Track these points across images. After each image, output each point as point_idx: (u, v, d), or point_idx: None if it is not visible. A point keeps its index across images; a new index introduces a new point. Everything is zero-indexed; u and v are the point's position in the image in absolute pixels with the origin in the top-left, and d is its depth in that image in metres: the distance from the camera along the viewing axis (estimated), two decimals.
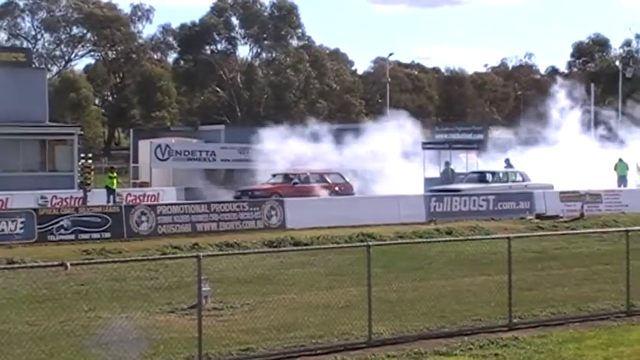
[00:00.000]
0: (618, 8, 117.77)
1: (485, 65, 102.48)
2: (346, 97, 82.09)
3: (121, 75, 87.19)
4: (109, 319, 13.70)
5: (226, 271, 15.72)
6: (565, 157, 42.17)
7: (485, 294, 15.66)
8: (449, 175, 42.22)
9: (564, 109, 50.69)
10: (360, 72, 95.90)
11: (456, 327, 13.92)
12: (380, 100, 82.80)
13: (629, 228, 17.76)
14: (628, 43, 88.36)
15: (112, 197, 35.67)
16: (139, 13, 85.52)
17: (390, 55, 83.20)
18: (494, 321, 14.22)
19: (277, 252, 21.96)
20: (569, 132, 47.92)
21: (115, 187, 36.44)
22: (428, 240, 24.29)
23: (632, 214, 33.82)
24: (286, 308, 14.50)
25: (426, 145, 46.75)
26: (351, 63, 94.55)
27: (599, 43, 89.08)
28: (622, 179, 46.42)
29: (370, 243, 14.65)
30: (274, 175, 40.68)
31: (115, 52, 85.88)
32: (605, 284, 16.93)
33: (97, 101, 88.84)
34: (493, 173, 39.13)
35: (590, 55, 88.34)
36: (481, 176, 38.94)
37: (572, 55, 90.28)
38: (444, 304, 15.30)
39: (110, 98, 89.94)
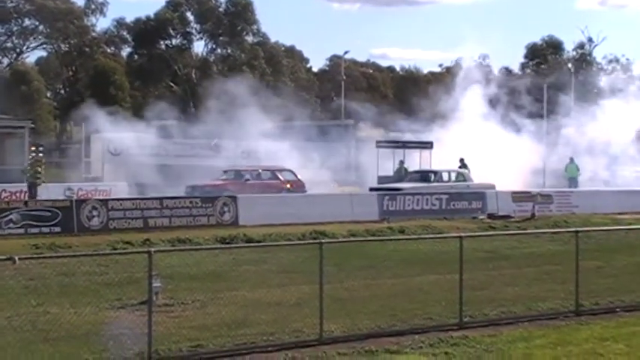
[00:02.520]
0: (571, 11, 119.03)
1: (440, 65, 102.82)
2: (301, 94, 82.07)
3: (74, 68, 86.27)
4: (57, 315, 13.52)
5: (178, 267, 15.60)
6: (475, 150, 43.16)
7: (436, 293, 15.72)
8: (402, 174, 42.43)
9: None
10: (315, 70, 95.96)
11: (407, 325, 13.96)
12: (335, 99, 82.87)
13: (579, 229, 17.94)
14: (581, 46, 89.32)
15: (34, 191, 33.77)
16: (93, 6, 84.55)
17: (346, 53, 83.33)
18: (445, 320, 14.28)
19: (229, 248, 21.89)
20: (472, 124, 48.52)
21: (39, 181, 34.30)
22: (380, 238, 24.38)
23: (582, 214, 34.23)
24: (238, 305, 14.43)
25: (380, 144, 46.94)
26: (307, 60, 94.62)
27: (553, 45, 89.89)
28: (572, 181, 47.07)
29: (323, 241, 14.64)
30: (226, 171, 40.49)
31: (67, 45, 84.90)
32: (554, 284, 17.07)
33: (48, 94, 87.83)
34: (435, 172, 39.43)
35: (543, 57, 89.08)
36: (423, 175, 39.26)
37: (526, 57, 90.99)
38: (395, 302, 15.33)
39: (62, 92, 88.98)
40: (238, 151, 49.78)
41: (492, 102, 54.37)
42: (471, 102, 51.69)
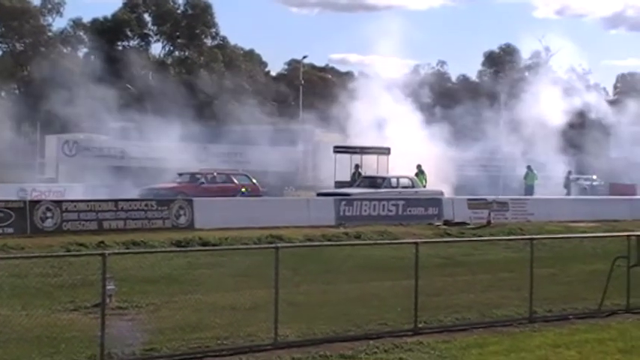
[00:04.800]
0: (529, 19, 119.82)
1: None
2: (259, 98, 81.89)
3: (29, 68, 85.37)
4: (8, 317, 13.33)
5: (132, 270, 15.46)
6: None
7: (391, 298, 15.73)
8: (356, 179, 42.53)
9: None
10: (273, 74, 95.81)
11: (361, 331, 13.96)
12: (292, 103, 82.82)
13: (534, 236, 18.06)
14: (537, 54, 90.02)
15: None
16: (49, 6, 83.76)
17: (304, 57, 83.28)
18: (399, 325, 14.30)
19: (185, 252, 21.79)
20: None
21: None
22: (337, 243, 24.34)
23: (537, 222, 34.52)
24: (192, 309, 14.34)
25: (337, 149, 47.01)
26: (265, 64, 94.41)
27: (510, 53, 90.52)
28: (529, 188, 47.53)
29: (279, 245, 14.60)
30: (180, 175, 40.30)
31: (23, 45, 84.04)
32: (509, 291, 17.18)
33: (2, 94, 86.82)
34: (384, 178, 39.54)
35: (500, 64, 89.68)
36: (372, 181, 39.34)
37: (483, 64, 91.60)
38: (350, 307, 15.32)
39: (17, 92, 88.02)
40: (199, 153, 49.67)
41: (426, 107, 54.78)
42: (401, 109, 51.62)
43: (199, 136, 52.86)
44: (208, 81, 68.86)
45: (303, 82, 76.45)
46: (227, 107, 57.88)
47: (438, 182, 43.05)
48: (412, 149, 45.04)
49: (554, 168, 52.96)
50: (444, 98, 67.31)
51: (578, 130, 60.22)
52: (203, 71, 75.99)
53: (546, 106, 54.53)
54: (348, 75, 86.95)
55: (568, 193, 49.75)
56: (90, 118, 51.39)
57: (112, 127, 54.17)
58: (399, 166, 43.72)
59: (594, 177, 56.10)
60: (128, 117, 57.01)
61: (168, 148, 47.27)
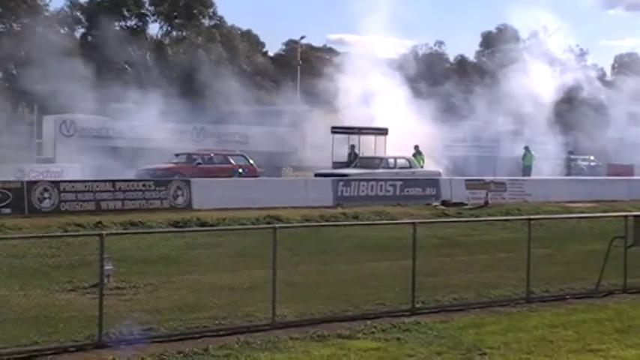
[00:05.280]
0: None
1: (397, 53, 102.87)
2: (257, 78, 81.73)
3: (26, 49, 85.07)
4: (6, 297, 13.35)
5: (130, 251, 15.49)
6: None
7: (389, 279, 15.76)
8: (353, 160, 42.52)
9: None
10: (271, 54, 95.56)
11: (359, 311, 13.99)
12: (291, 83, 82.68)
13: (531, 217, 18.08)
14: (535, 35, 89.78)
15: None
16: None
17: (302, 38, 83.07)
18: (397, 305, 14.33)
19: (183, 232, 21.83)
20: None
21: None
22: (334, 224, 24.41)
23: (535, 202, 34.56)
24: (190, 289, 14.36)
25: (335, 130, 46.95)
26: (263, 45, 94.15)
27: (507, 34, 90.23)
28: (527, 169, 47.53)
29: (277, 225, 14.62)
30: (177, 155, 40.30)
31: (19, 25, 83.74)
32: (506, 271, 17.20)
33: (0, 75, 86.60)
34: (381, 159, 39.50)
35: (497, 45, 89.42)
36: (369, 162, 39.28)
37: (481, 45, 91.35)
38: (348, 287, 15.35)
39: (14, 72, 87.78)
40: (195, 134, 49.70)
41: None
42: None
43: (196, 116, 52.79)
44: (206, 61, 68.69)
45: (300, 62, 76.20)
46: (223, 87, 57.73)
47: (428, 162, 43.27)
48: (400, 126, 45.10)
49: (547, 149, 52.90)
50: (439, 78, 67.17)
51: (573, 110, 60.10)
52: (201, 51, 75.80)
53: (539, 84, 54.40)
54: (346, 55, 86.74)
55: (569, 174, 49.78)
56: (87, 99, 51.22)
57: (111, 107, 54.02)
58: (389, 146, 43.80)
59: (592, 157, 56.09)
60: (126, 98, 56.87)
61: (165, 129, 47.22)
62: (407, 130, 45.05)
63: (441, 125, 50.16)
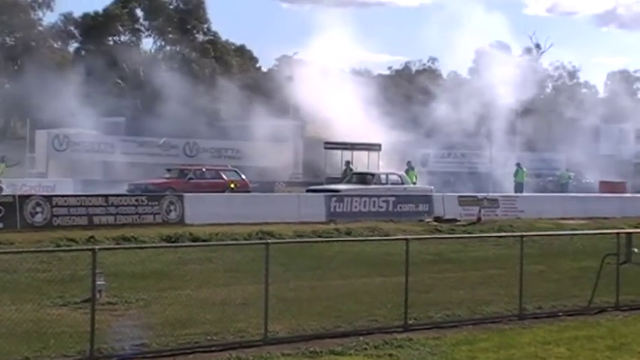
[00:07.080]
0: (519, 16, 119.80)
1: (389, 68, 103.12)
2: (249, 93, 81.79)
3: (19, 63, 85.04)
4: None
5: (122, 266, 15.46)
6: None
7: (381, 295, 15.72)
8: (348, 175, 42.55)
9: None
10: (264, 69, 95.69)
11: (351, 327, 13.96)
12: (284, 98, 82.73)
13: (524, 233, 18.08)
14: (528, 51, 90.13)
15: None
16: (40, 0, 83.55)
17: (295, 53, 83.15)
18: (389, 322, 14.30)
19: (175, 247, 21.76)
20: None
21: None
22: (327, 239, 24.38)
23: (527, 219, 34.54)
24: (182, 304, 14.31)
25: (327, 145, 47.04)
26: (256, 60, 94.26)
27: (500, 50, 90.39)
28: (519, 186, 47.60)
29: (269, 241, 14.61)
30: (169, 170, 40.28)
31: (13, 39, 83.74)
32: (499, 288, 17.18)
33: None
34: (373, 175, 39.45)
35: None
36: (361, 177, 39.23)
37: (474, 61, 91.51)
38: (340, 303, 15.31)
39: (7, 86, 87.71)
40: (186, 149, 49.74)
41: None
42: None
43: (189, 131, 52.86)
44: (199, 76, 68.78)
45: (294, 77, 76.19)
46: (216, 103, 57.87)
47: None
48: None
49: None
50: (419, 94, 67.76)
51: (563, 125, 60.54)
52: (195, 66, 75.88)
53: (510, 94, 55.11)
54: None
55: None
56: (80, 113, 51.25)
57: (103, 121, 54.02)
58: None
59: (571, 174, 56.19)
60: (118, 112, 56.91)
61: (157, 144, 47.29)
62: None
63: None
